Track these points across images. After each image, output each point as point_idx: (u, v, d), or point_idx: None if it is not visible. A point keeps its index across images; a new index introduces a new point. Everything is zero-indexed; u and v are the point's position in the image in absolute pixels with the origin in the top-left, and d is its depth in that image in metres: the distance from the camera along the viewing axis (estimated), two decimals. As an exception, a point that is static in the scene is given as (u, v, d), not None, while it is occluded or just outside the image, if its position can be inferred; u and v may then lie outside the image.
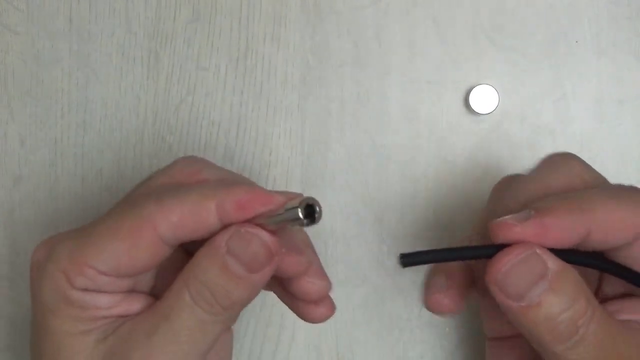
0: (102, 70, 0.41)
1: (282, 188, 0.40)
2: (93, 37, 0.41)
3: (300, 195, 0.30)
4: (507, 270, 0.28)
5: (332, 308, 0.32)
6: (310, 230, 0.31)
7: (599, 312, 0.28)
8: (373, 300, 0.40)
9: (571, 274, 0.28)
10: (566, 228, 0.28)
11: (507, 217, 0.28)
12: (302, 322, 0.40)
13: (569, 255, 0.29)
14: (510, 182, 0.32)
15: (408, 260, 0.29)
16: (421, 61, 0.40)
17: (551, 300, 0.28)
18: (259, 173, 0.41)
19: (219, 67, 0.41)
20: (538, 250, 0.28)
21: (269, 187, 0.40)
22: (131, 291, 0.31)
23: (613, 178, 0.39)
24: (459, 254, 0.29)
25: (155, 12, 0.41)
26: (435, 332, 0.40)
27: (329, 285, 0.32)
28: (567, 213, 0.28)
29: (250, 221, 0.29)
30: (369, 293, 0.40)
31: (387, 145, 0.40)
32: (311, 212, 0.28)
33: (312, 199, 0.29)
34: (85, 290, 0.29)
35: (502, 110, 0.40)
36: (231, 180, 0.31)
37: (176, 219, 0.29)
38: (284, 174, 0.41)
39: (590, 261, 0.29)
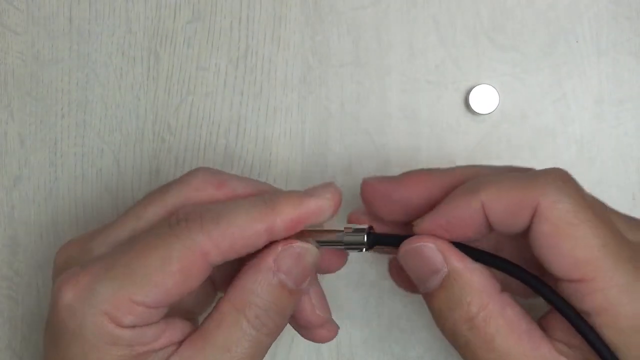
0: (102, 70, 0.41)
1: (281, 188, 0.40)
2: (93, 37, 0.41)
3: (329, 186, 0.30)
4: (401, 256, 0.29)
5: (335, 329, 0.33)
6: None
7: (497, 322, 0.27)
8: (373, 300, 0.40)
9: (467, 277, 0.28)
10: (459, 215, 0.27)
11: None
12: (302, 322, 0.40)
13: (480, 255, 0.28)
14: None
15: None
16: (421, 61, 0.40)
17: (439, 296, 0.28)
18: (259, 173, 0.41)
19: (219, 67, 0.41)
20: (433, 245, 0.28)
21: (269, 187, 0.40)
22: (168, 315, 0.30)
23: (613, 178, 0.39)
24: (380, 239, 0.30)
25: (155, 12, 0.41)
26: (435, 332, 0.40)
27: (330, 315, 0.33)
28: (457, 199, 0.28)
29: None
30: (369, 293, 0.40)
31: (387, 145, 0.40)
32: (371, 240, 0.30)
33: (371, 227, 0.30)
34: (133, 327, 0.28)
35: (502, 110, 0.40)
36: (268, 193, 0.31)
37: (227, 246, 0.28)
38: (284, 174, 0.41)
39: (490, 262, 0.28)
